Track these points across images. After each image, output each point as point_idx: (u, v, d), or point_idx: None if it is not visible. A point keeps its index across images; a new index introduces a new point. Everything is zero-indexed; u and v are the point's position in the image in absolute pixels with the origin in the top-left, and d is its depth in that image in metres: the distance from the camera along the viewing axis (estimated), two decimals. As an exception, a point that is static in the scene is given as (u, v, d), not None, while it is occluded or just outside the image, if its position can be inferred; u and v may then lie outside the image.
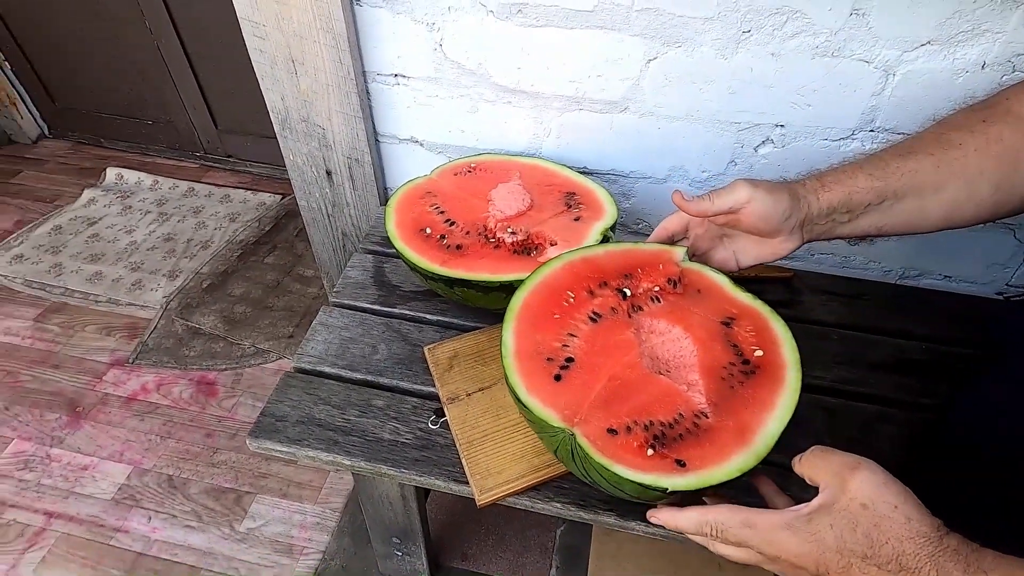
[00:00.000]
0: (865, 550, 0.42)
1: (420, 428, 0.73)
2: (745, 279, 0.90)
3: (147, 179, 2.13)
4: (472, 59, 0.85)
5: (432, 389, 0.77)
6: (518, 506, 0.68)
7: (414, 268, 0.76)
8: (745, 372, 0.59)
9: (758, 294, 0.88)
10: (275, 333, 1.61)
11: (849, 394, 0.78)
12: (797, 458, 0.51)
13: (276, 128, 0.99)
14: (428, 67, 0.88)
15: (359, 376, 0.79)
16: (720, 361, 0.60)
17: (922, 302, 0.91)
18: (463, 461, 0.68)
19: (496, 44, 0.83)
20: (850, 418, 0.75)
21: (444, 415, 0.73)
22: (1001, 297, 0.95)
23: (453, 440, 0.71)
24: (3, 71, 2.15)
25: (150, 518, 1.23)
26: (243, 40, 0.88)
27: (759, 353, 0.60)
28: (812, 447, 0.51)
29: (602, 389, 0.57)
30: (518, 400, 0.57)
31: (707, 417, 0.55)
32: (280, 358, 1.55)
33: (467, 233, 0.78)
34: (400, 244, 0.77)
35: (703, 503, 0.54)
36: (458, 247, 0.76)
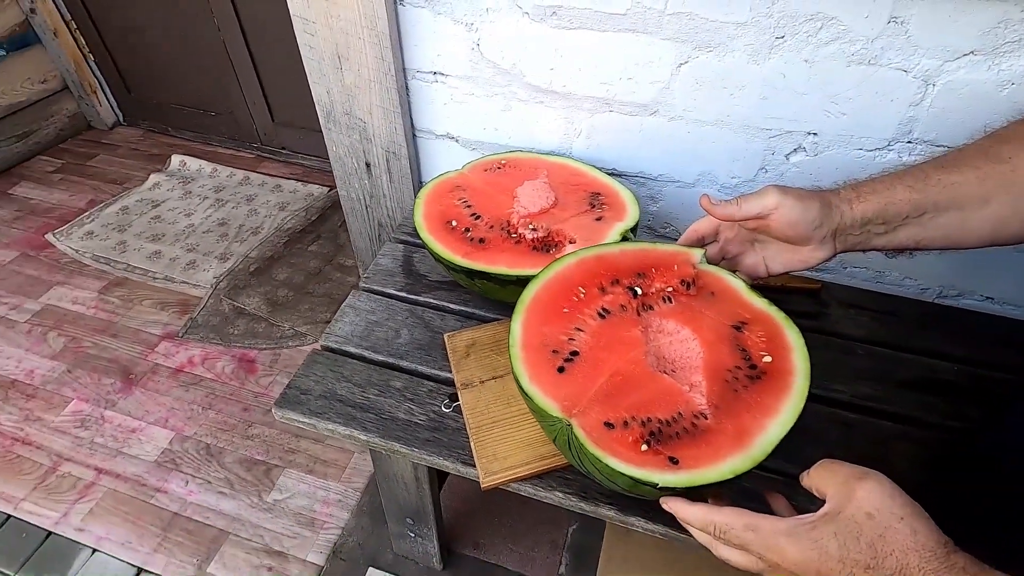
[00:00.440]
0: (868, 560, 0.42)
1: (434, 411, 0.76)
2: (771, 288, 0.89)
3: (207, 167, 2.26)
4: (507, 59, 0.88)
5: (448, 375, 0.80)
6: (522, 492, 0.70)
7: (438, 258, 0.79)
8: (751, 376, 0.59)
9: (782, 303, 0.87)
10: (313, 318, 1.68)
11: (869, 410, 0.76)
12: (805, 472, 0.51)
13: (321, 120, 1.04)
14: (465, 66, 0.91)
15: (381, 358, 0.82)
16: (726, 364, 0.60)
17: (959, 323, 0.87)
18: (472, 444, 0.70)
19: (530, 45, 0.85)
20: (867, 434, 0.73)
21: (457, 400, 0.76)
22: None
23: (464, 424, 0.73)
24: (87, 63, 2.33)
25: (187, 482, 1.31)
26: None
27: (767, 359, 0.60)
28: (821, 460, 0.51)
29: (604, 383, 0.58)
30: (521, 388, 0.59)
31: (706, 418, 0.56)
32: (316, 341, 1.61)
33: (491, 227, 0.81)
34: (426, 234, 0.80)
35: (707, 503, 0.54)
36: (481, 240, 0.79)
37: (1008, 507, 0.59)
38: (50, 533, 1.23)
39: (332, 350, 0.84)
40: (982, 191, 0.55)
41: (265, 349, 1.61)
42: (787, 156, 0.84)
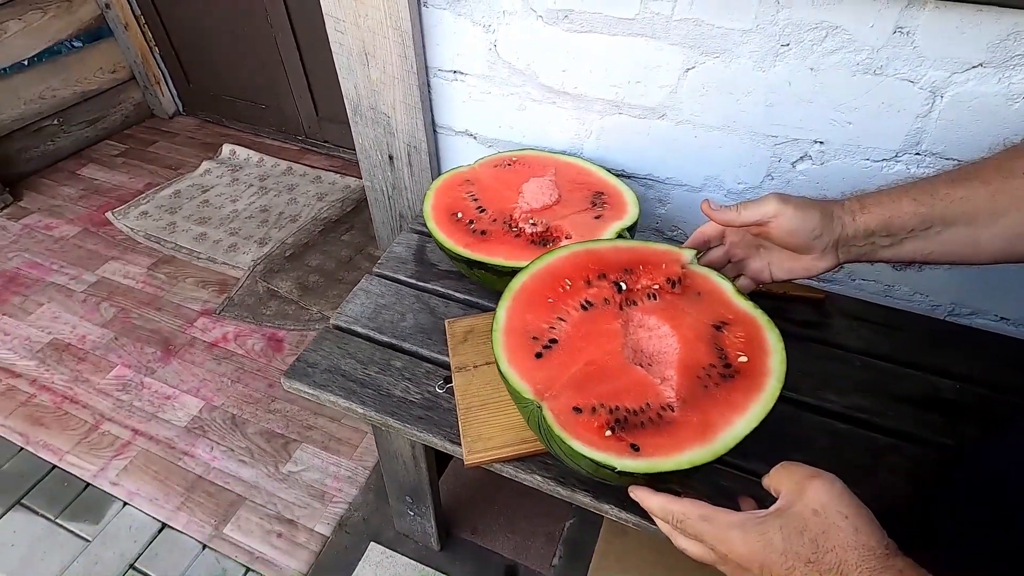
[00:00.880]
0: (809, 554, 0.43)
1: (428, 391, 0.80)
2: (773, 295, 0.90)
3: (255, 156, 2.39)
4: (522, 60, 0.91)
5: (446, 358, 0.83)
6: (503, 473, 0.73)
7: (442, 247, 0.83)
8: (724, 375, 0.60)
9: (784, 311, 0.87)
10: (340, 303, 1.76)
11: (861, 422, 0.76)
12: (766, 474, 0.52)
13: (349, 113, 1.10)
14: (483, 66, 0.95)
15: (385, 338, 0.87)
16: (701, 361, 0.61)
17: (969, 342, 0.85)
18: (459, 424, 0.74)
19: (544, 47, 0.88)
20: (856, 445, 0.73)
21: (451, 382, 0.80)
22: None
23: (455, 405, 0.77)
24: (153, 55, 2.50)
25: (212, 448, 1.40)
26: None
27: (743, 359, 0.61)
28: (780, 462, 0.52)
29: (578, 371, 0.61)
30: (500, 370, 0.62)
31: (672, 410, 0.58)
32: (341, 326, 1.69)
33: (494, 220, 0.84)
34: (432, 224, 0.84)
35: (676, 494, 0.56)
36: (483, 232, 0.83)
37: (993, 526, 0.58)
38: (88, 484, 1.34)
39: (341, 329, 0.89)
40: (993, 206, 0.54)
41: (293, 330, 1.69)
42: (793, 164, 0.84)
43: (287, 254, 1.94)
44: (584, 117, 0.93)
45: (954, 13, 0.64)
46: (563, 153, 0.97)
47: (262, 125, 2.52)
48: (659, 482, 0.57)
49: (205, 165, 2.36)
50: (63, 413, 1.49)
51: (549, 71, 0.90)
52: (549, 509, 1.24)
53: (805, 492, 0.46)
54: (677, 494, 0.55)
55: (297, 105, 2.35)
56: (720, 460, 0.69)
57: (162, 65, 2.53)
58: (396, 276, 0.97)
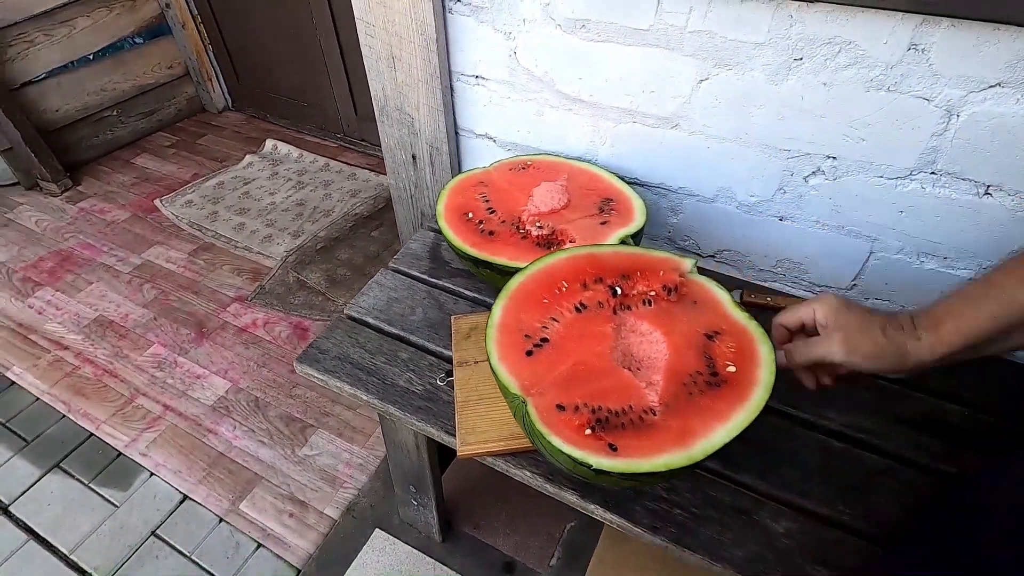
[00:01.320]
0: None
1: (430, 383, 0.83)
2: (780, 310, 0.89)
3: (295, 152, 2.49)
4: (540, 67, 0.94)
5: (449, 353, 0.86)
6: (495, 467, 0.76)
7: (451, 245, 0.86)
8: (710, 383, 0.61)
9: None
10: (364, 297, 1.81)
11: (858, 441, 0.75)
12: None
13: (376, 113, 1.15)
14: (503, 71, 0.98)
15: (394, 331, 0.91)
16: (688, 368, 0.62)
17: (987, 369, 0.82)
18: (456, 416, 0.77)
19: (562, 55, 0.90)
20: (850, 464, 0.72)
21: (451, 376, 0.82)
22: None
23: (454, 398, 0.80)
24: (207, 53, 2.64)
25: (235, 427, 1.47)
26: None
27: (731, 369, 0.62)
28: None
29: (566, 370, 0.62)
30: (491, 365, 0.64)
31: (654, 414, 0.59)
32: (363, 318, 1.74)
33: (502, 222, 0.87)
34: (443, 222, 0.87)
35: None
36: (491, 233, 0.85)
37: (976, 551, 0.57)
38: (120, 454, 1.43)
39: (354, 319, 0.93)
40: None
41: (318, 320, 1.75)
42: (806, 178, 0.84)
43: (318, 247, 2.01)
44: (599, 124, 0.95)
45: (971, 31, 0.63)
46: (578, 159, 0.99)
47: (304, 122, 2.62)
48: (634, 483, 0.58)
49: (248, 159, 2.46)
50: (103, 385, 1.58)
51: (566, 78, 0.92)
52: (551, 510, 1.26)
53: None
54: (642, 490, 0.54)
55: (337, 104, 2.44)
56: (711, 471, 0.70)
57: (214, 62, 2.66)
58: (410, 271, 1.01)
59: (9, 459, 1.42)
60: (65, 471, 1.40)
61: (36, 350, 1.68)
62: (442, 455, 1.10)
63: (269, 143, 2.53)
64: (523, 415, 0.60)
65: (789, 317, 0.64)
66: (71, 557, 1.24)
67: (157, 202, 2.24)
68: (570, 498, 0.71)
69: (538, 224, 0.84)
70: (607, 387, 0.61)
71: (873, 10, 0.66)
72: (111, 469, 1.40)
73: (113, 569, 1.22)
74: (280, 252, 1.99)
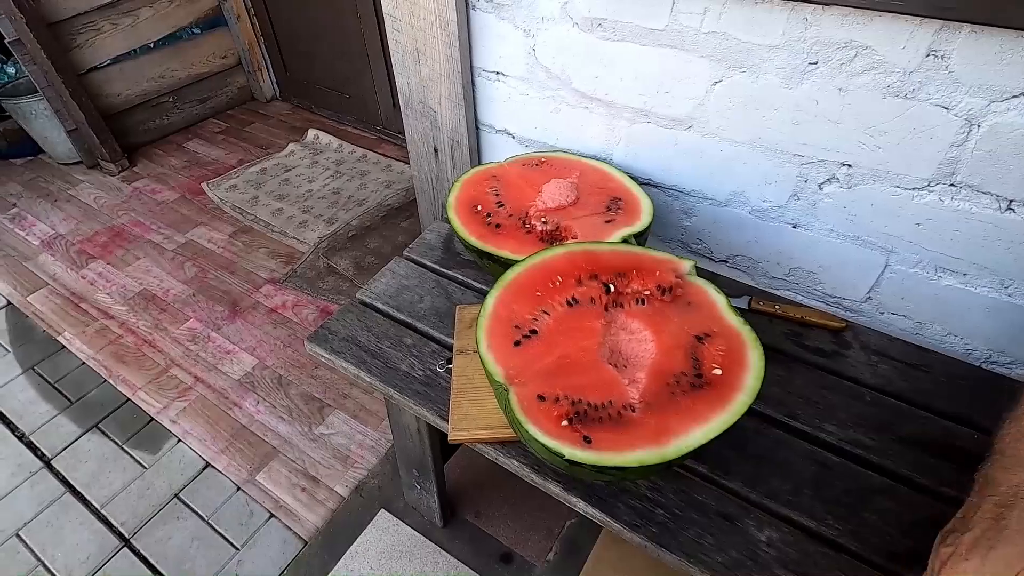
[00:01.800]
0: None
1: (431, 369, 0.85)
2: (790, 319, 0.87)
3: (335, 142, 2.57)
4: (558, 65, 0.94)
5: (452, 341, 0.88)
6: (485, 454, 0.77)
7: (457, 235, 0.88)
8: (694, 385, 0.61)
9: (800, 337, 0.85)
10: (389, 285, 1.86)
11: (856, 458, 0.73)
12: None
13: (402, 106, 1.18)
14: (523, 68, 0.99)
15: (401, 317, 0.93)
16: (673, 369, 0.62)
17: (999, 391, 0.78)
18: (450, 402, 0.79)
19: (578, 53, 0.91)
20: (845, 480, 0.70)
21: (451, 363, 0.84)
22: None
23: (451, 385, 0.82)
24: (259, 44, 2.75)
25: (258, 402, 1.54)
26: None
27: (717, 372, 0.62)
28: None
29: (551, 362, 0.63)
30: (479, 353, 0.66)
31: (633, 411, 0.59)
32: (386, 306, 1.79)
33: (510, 216, 0.88)
34: (452, 214, 0.90)
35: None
36: (497, 226, 0.87)
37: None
38: (152, 419, 1.52)
39: (364, 303, 0.97)
40: None
41: (343, 305, 1.81)
42: (820, 185, 0.82)
43: (350, 235, 2.07)
44: (614, 124, 0.95)
45: (993, 38, 0.61)
46: (594, 158, 0.99)
47: (345, 113, 2.70)
48: (608, 477, 0.59)
49: (291, 147, 2.56)
50: (142, 354, 1.68)
51: (582, 77, 0.93)
52: (552, 505, 1.26)
53: None
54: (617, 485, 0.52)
55: (377, 97, 2.50)
56: (700, 475, 0.70)
57: (265, 54, 2.77)
58: (422, 261, 1.03)
59: (54, 417, 1.53)
60: (103, 432, 1.50)
61: (86, 318, 1.80)
62: (446, 442, 1.12)
63: (311, 133, 2.62)
64: (505, 402, 0.62)
65: None
66: (102, 511, 1.33)
67: (204, 185, 2.35)
68: (554, 489, 0.72)
69: (543, 220, 0.85)
70: (590, 381, 0.62)
71: (890, 14, 0.64)
72: (143, 433, 1.49)
73: (138, 526, 1.30)
74: (313, 238, 2.06)
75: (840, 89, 0.72)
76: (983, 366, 0.84)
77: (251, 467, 1.40)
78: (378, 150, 2.53)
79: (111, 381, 1.61)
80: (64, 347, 1.72)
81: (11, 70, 2.45)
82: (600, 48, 0.88)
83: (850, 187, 0.79)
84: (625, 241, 0.80)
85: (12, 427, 1.51)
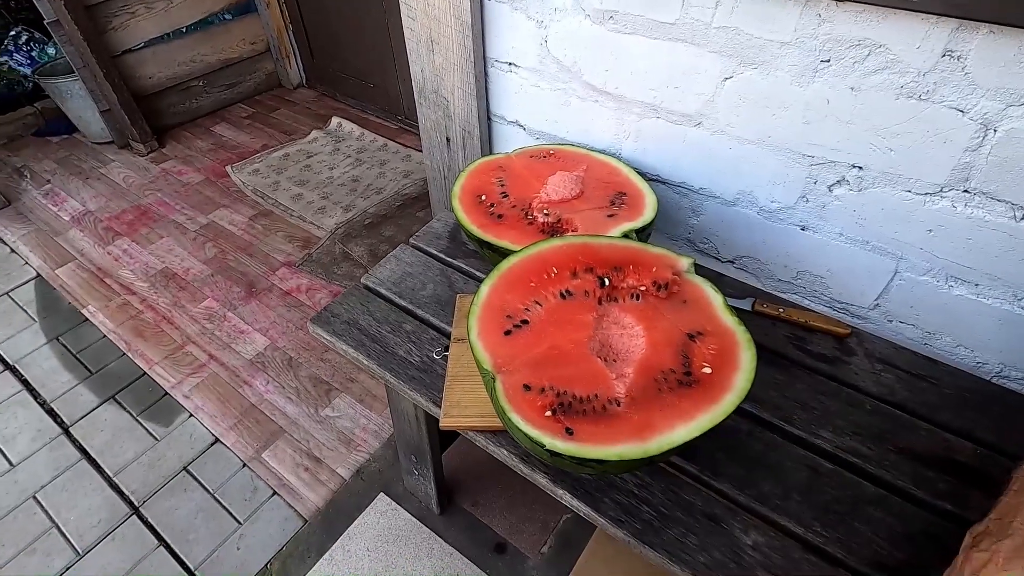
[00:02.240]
0: None
1: (428, 356, 0.86)
2: (793, 323, 0.86)
3: (357, 130, 2.59)
4: (569, 57, 0.94)
5: (451, 329, 0.89)
6: (476, 443, 0.78)
7: (460, 224, 0.88)
8: (682, 382, 0.61)
9: (803, 341, 0.84)
10: (402, 273, 1.88)
11: (851, 466, 0.71)
12: None
13: (415, 95, 1.19)
14: (534, 60, 0.99)
15: (403, 303, 0.94)
16: (662, 365, 0.62)
17: (1008, 407, 0.76)
18: (444, 389, 0.79)
19: (590, 46, 0.90)
20: (837, 488, 0.69)
21: (448, 351, 0.85)
22: None
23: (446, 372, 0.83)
24: (287, 32, 2.79)
25: (268, 382, 1.57)
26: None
27: (707, 370, 0.61)
28: None
29: (539, 353, 0.63)
30: (469, 340, 0.66)
31: (618, 405, 0.59)
32: (398, 294, 1.81)
33: (513, 207, 0.88)
34: (456, 203, 0.90)
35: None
36: (499, 216, 0.87)
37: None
38: (166, 393, 1.56)
39: (368, 288, 0.98)
40: None
41: (356, 291, 1.83)
42: (830, 187, 0.80)
43: (366, 222, 2.09)
44: (623, 118, 0.94)
45: (1013, 39, 0.59)
46: (602, 152, 0.98)
47: (368, 102, 2.73)
48: (589, 469, 0.58)
49: (314, 134, 2.59)
50: (160, 330, 1.73)
51: (593, 70, 0.92)
52: (549, 499, 1.26)
53: None
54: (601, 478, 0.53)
55: (400, 87, 2.52)
56: (689, 474, 0.69)
57: (293, 41, 2.81)
58: (428, 249, 1.04)
59: (75, 386, 1.59)
60: (119, 403, 1.55)
61: (109, 292, 1.86)
62: (445, 431, 1.13)
63: (335, 120, 2.65)
64: (492, 390, 0.62)
65: None
66: (114, 479, 1.38)
67: (228, 168, 2.40)
68: (541, 480, 0.72)
69: (545, 212, 0.85)
70: (577, 373, 0.62)
71: (905, 12, 0.62)
72: (157, 406, 1.53)
73: (148, 495, 1.34)
74: (331, 224, 2.09)
75: (852, 88, 0.70)
76: (993, 380, 0.82)
77: (258, 445, 1.43)
78: (398, 140, 2.55)
79: (129, 355, 1.67)
80: (87, 320, 1.78)
81: (51, 50, 2.53)
82: (611, 41, 0.87)
83: (860, 190, 0.77)
84: (626, 236, 0.80)
85: (35, 394, 1.57)
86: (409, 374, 0.84)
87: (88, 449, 1.44)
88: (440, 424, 0.76)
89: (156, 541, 1.26)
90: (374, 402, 1.52)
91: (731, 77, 0.79)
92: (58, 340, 1.72)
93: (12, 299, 1.86)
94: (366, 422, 1.47)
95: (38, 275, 1.95)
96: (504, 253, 0.82)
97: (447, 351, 0.85)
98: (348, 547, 1.22)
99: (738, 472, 0.71)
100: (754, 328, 0.87)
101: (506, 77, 1.05)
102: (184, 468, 1.40)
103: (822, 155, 0.78)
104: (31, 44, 2.51)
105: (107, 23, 2.29)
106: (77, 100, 2.40)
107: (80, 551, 1.25)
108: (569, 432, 0.57)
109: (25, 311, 1.82)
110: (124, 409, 1.53)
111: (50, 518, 1.31)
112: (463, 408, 0.76)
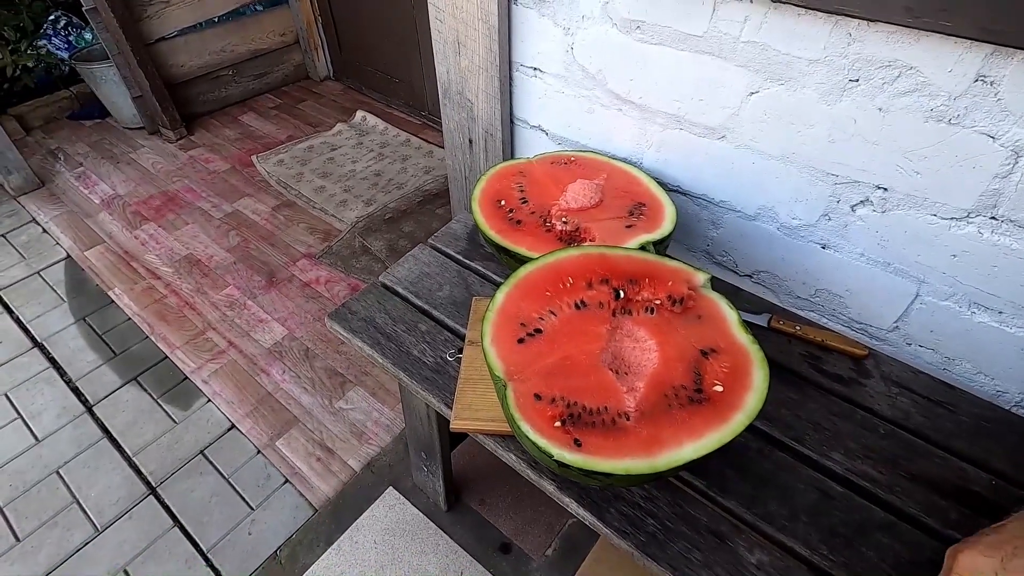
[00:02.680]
0: None
1: (441, 357, 0.87)
2: (809, 341, 0.85)
3: (381, 124, 2.61)
4: (594, 64, 0.94)
5: (465, 331, 0.90)
6: (486, 446, 0.79)
7: (478, 227, 0.89)
8: (693, 399, 0.61)
9: (819, 360, 0.83)
10: (419, 269, 1.89)
11: (861, 490, 0.71)
12: None
13: (440, 95, 1.20)
14: (560, 66, 0.99)
15: (419, 303, 0.96)
16: (673, 381, 0.62)
17: (1027, 438, 0.75)
18: (456, 391, 0.81)
19: (615, 54, 0.90)
20: (846, 511, 0.69)
21: (461, 353, 0.86)
22: None
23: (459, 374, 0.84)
24: (316, 24, 2.82)
25: (284, 372, 1.60)
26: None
27: (718, 388, 0.61)
28: None
29: (552, 363, 0.64)
30: (483, 346, 0.67)
31: (628, 419, 0.59)
32: (414, 290, 1.83)
33: (531, 213, 0.89)
34: (475, 206, 0.91)
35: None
36: (518, 222, 0.88)
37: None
38: (186, 377, 1.60)
39: (386, 287, 0.99)
40: None
41: (374, 285, 1.86)
42: (853, 207, 0.79)
43: (386, 217, 2.11)
44: (646, 128, 0.94)
45: (1049, 67, 0.57)
46: (624, 161, 0.98)
47: (394, 97, 2.75)
48: (596, 481, 0.59)
49: (339, 127, 2.62)
50: (182, 316, 1.77)
51: (618, 78, 0.92)
52: (555, 503, 1.27)
53: None
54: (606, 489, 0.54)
55: (425, 83, 2.53)
56: (697, 490, 0.70)
57: (322, 34, 2.84)
58: (446, 250, 1.05)
59: (99, 366, 1.64)
60: (140, 385, 1.59)
61: (135, 276, 1.91)
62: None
63: (359, 114, 2.68)
64: (503, 398, 0.63)
65: None
66: (133, 459, 1.42)
67: (254, 158, 2.44)
68: (548, 488, 0.73)
69: (564, 219, 0.85)
70: (588, 385, 0.62)
71: (939, 35, 0.61)
72: (177, 390, 1.57)
73: (164, 476, 1.38)
74: (351, 217, 2.11)
75: (880, 109, 0.69)
76: (1013, 410, 0.80)
77: (272, 433, 1.46)
78: (421, 135, 2.57)
79: (152, 338, 1.71)
80: (113, 302, 1.83)
81: (88, 36, 2.59)
82: (637, 50, 0.87)
83: (884, 211, 0.76)
84: (643, 248, 0.80)
85: (61, 372, 1.62)
86: (422, 374, 0.85)
87: (110, 428, 1.49)
88: (451, 426, 0.77)
89: (171, 522, 1.30)
90: (387, 396, 1.54)
91: (757, 92, 0.78)
92: (85, 320, 1.77)
93: (43, 278, 1.92)
94: (378, 416, 1.49)
95: (68, 256, 2.00)
96: (521, 259, 0.83)
97: (461, 353, 0.86)
98: (356, 538, 1.24)
99: (746, 490, 0.71)
100: (769, 345, 0.87)
101: (531, 82, 1.05)
102: (201, 452, 1.43)
103: (846, 174, 0.77)
104: (69, 29, 2.58)
105: (143, 11, 2.34)
106: (111, 86, 2.46)
107: (99, 527, 1.29)
108: (577, 444, 0.57)
109: (55, 291, 1.87)
110: (145, 391, 1.57)
111: (72, 493, 1.35)
112: (474, 411, 0.77)
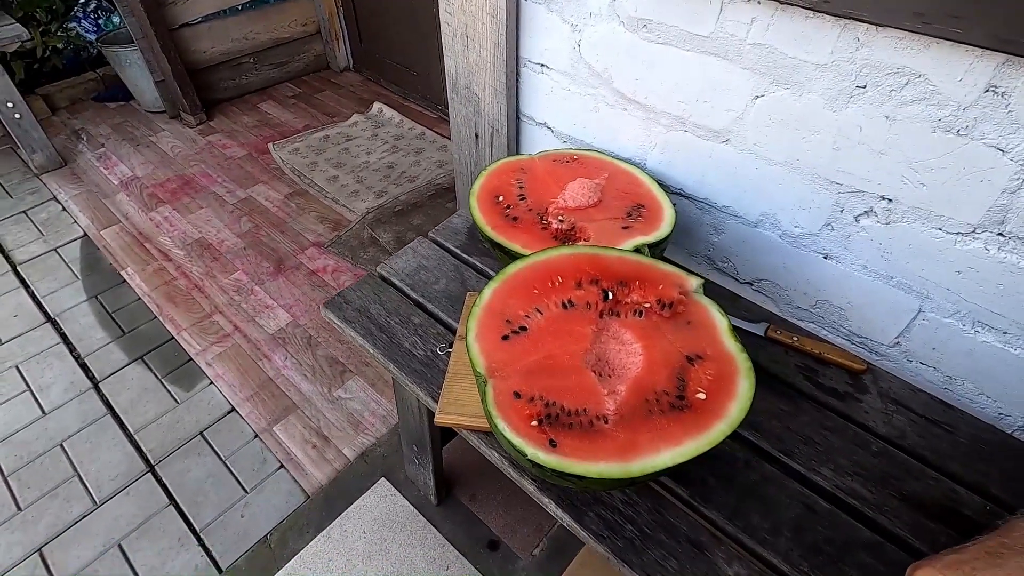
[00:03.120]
0: None
1: (432, 350, 0.87)
2: (807, 354, 0.83)
3: (396, 117, 2.62)
4: (601, 62, 0.93)
5: (458, 326, 0.90)
6: (469, 441, 0.79)
7: (475, 222, 0.89)
8: (674, 406, 0.60)
9: (816, 374, 0.81)
10: (425, 263, 1.89)
11: (848, 507, 0.69)
12: None
13: (448, 89, 1.19)
14: (567, 63, 0.98)
15: (414, 296, 0.95)
16: (656, 386, 0.61)
17: (1028, 464, 0.72)
18: (443, 385, 0.80)
19: (622, 53, 0.89)
20: (831, 528, 0.67)
21: (451, 347, 0.86)
22: None
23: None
24: (337, 15, 2.83)
25: (286, 358, 1.62)
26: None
27: (701, 396, 0.60)
28: None
29: (534, 361, 0.63)
30: (466, 341, 0.66)
31: (606, 422, 0.58)
32: (419, 283, 1.83)
33: (529, 210, 0.88)
34: (474, 200, 0.90)
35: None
36: (515, 218, 0.87)
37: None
38: (190, 359, 1.62)
39: (382, 278, 0.99)
40: None
41: (379, 277, 1.86)
42: (856, 218, 0.77)
43: (396, 209, 2.12)
44: (650, 128, 0.93)
45: (1063, 79, 0.55)
46: (628, 161, 0.97)
47: (411, 90, 2.75)
48: (570, 483, 0.58)
49: (355, 118, 2.64)
50: (190, 298, 1.80)
51: (624, 77, 0.91)
52: (546, 503, 1.27)
53: None
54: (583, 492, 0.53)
55: (442, 77, 2.52)
56: (679, 498, 0.69)
57: (343, 24, 2.86)
58: (445, 244, 1.05)
59: (108, 344, 1.67)
60: (146, 364, 1.61)
61: (147, 257, 1.94)
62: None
63: (376, 106, 2.69)
64: (483, 394, 0.62)
65: None
66: (135, 437, 1.44)
67: (270, 146, 2.46)
68: (529, 487, 0.72)
69: (560, 218, 0.84)
70: (568, 386, 0.61)
71: (950, 43, 0.59)
72: (181, 371, 1.60)
73: (164, 455, 1.40)
74: (362, 208, 2.12)
75: (887, 117, 0.67)
76: (1015, 434, 0.77)
77: (270, 418, 1.48)
78: (436, 129, 2.57)
79: (160, 318, 1.74)
80: (125, 281, 1.86)
81: (115, 19, 2.64)
82: (644, 50, 0.85)
83: (888, 223, 0.74)
84: (637, 250, 0.79)
85: (71, 347, 1.66)
86: (412, 367, 0.85)
87: (114, 405, 1.51)
88: (435, 420, 0.77)
89: (167, 500, 1.32)
90: (385, 388, 1.54)
91: (762, 96, 0.77)
92: (97, 298, 1.81)
93: (59, 255, 1.96)
94: (376, 407, 1.50)
95: (84, 234, 2.04)
96: (514, 256, 0.82)
97: (451, 347, 0.86)
98: (345, 527, 1.25)
99: (730, 501, 0.70)
100: (765, 355, 0.85)
101: (538, 78, 1.05)
102: (200, 433, 1.45)
103: (850, 184, 0.75)
104: (98, 12, 2.63)
105: (168, -3, 2.37)
106: (135, 69, 2.50)
107: (97, 501, 1.31)
108: (552, 444, 0.57)
109: (70, 268, 1.91)
110: (150, 370, 1.60)
111: (73, 466, 1.38)
112: (460, 406, 0.77)
